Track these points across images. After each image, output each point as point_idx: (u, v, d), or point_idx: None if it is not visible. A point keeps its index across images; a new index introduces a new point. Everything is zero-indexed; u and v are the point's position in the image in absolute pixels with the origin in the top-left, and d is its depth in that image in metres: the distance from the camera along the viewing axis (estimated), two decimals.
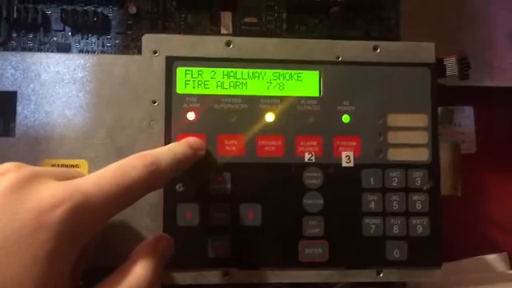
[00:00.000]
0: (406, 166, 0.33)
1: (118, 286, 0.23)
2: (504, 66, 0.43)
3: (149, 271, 0.24)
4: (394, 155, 0.33)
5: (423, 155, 0.34)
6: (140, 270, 0.24)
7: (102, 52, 0.38)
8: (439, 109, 0.34)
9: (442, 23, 0.44)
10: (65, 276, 0.22)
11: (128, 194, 0.24)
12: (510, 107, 0.47)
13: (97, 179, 0.23)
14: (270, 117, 0.33)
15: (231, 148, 0.32)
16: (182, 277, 0.32)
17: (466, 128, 0.46)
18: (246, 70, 0.33)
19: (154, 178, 0.25)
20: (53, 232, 0.21)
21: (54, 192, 0.21)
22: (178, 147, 0.29)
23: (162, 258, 0.26)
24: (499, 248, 0.46)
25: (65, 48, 0.37)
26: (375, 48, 0.34)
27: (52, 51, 0.37)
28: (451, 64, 0.36)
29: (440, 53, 0.36)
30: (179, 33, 0.38)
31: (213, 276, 0.32)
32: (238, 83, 0.33)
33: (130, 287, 0.23)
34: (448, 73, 0.36)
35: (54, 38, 0.37)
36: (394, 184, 0.33)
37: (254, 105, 0.33)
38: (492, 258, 0.44)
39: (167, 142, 0.32)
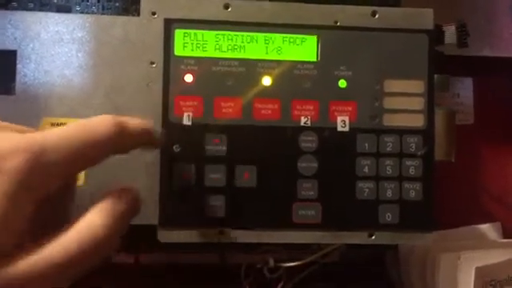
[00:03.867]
0: (401, 132, 0.34)
1: (72, 235, 0.23)
2: (504, 36, 0.43)
3: (106, 222, 0.23)
4: (390, 120, 0.34)
5: (418, 121, 0.34)
6: (97, 220, 0.23)
7: (102, 15, 0.38)
8: (435, 76, 0.34)
9: None
10: (23, 220, 0.22)
11: (92, 150, 0.24)
12: (509, 78, 0.47)
13: (59, 133, 0.23)
14: (266, 80, 0.33)
15: (228, 110, 0.33)
16: (177, 235, 0.32)
17: (464, 99, 0.46)
18: (244, 34, 0.33)
19: (121, 139, 0.25)
20: (10, 177, 0.21)
21: (13, 142, 0.22)
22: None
23: (124, 211, 0.25)
24: (493, 218, 0.46)
25: (65, 10, 0.37)
26: (374, 14, 0.34)
27: None
28: (450, 32, 0.36)
29: (440, 21, 0.36)
30: None
31: (208, 235, 0.33)
32: (235, 46, 0.33)
33: (82, 237, 0.23)
34: (447, 41, 0.36)
35: (55, 0, 0.37)
36: (388, 149, 0.34)
37: (252, 68, 0.33)
38: (485, 227, 0.44)
39: (165, 103, 0.32)
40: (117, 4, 0.38)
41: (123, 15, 0.37)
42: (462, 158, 0.44)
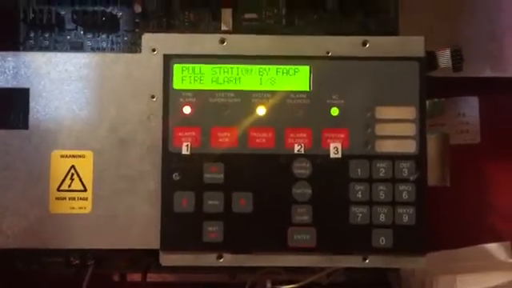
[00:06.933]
0: (393, 158, 0.35)
1: None
2: (507, 56, 0.43)
3: None
4: (382, 147, 0.35)
5: (410, 147, 0.35)
6: None
7: (112, 49, 0.40)
8: (428, 101, 0.35)
9: (442, 15, 0.44)
10: None
11: None
12: None
13: None
14: (261, 110, 0.35)
15: (224, 140, 0.34)
16: (178, 259, 0.34)
17: (470, 118, 0.47)
18: (239, 66, 0.35)
19: None
20: None
21: None
22: None
23: None
24: (502, 238, 0.46)
25: (78, 46, 0.40)
26: (364, 43, 0.35)
27: (66, 49, 0.40)
28: (445, 56, 0.37)
29: (440, 44, 0.37)
30: (183, 30, 0.40)
31: (207, 259, 0.34)
32: (231, 78, 0.35)
33: None
34: (442, 65, 0.37)
35: (68, 37, 0.40)
36: (381, 174, 0.34)
37: (247, 99, 0.35)
38: (493, 246, 0.44)
39: (165, 134, 0.34)
40: (125, 38, 0.41)
41: (127, 52, 0.39)
42: (470, 177, 0.44)
